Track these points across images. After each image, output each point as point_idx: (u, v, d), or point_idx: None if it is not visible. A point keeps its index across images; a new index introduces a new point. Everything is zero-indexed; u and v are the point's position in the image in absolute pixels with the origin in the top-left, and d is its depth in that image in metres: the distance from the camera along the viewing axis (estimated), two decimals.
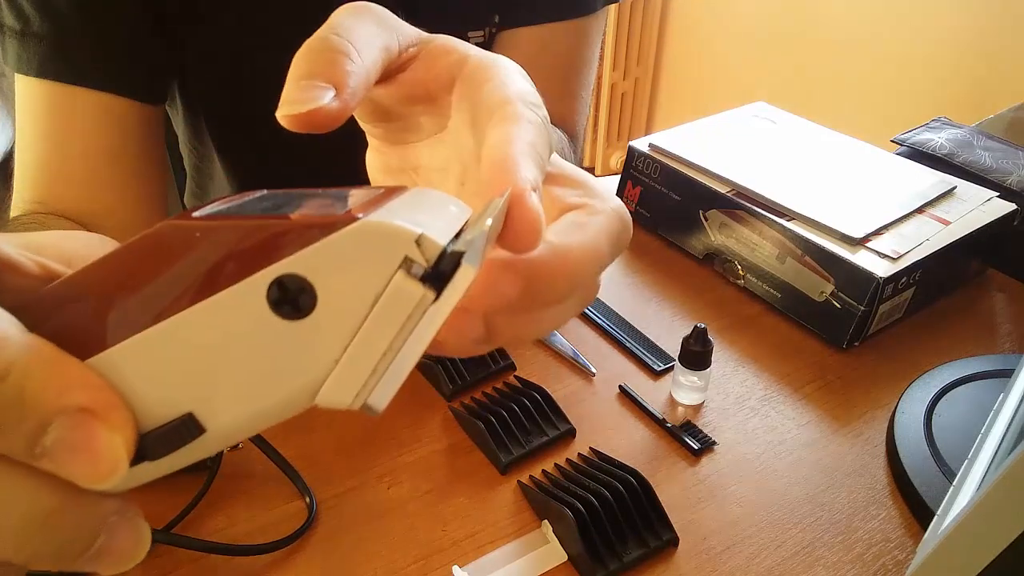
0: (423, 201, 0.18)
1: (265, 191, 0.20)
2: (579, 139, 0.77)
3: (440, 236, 0.16)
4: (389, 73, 0.26)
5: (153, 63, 0.59)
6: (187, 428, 0.16)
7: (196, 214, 0.16)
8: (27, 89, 0.55)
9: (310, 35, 0.23)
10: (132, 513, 0.17)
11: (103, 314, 0.16)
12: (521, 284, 0.19)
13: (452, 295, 0.16)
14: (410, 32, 0.27)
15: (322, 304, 0.16)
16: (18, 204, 0.56)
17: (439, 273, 0.16)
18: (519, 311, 0.20)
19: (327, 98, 0.21)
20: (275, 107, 0.22)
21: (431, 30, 0.28)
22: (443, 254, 0.16)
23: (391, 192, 0.18)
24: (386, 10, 0.26)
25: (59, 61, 0.54)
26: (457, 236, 0.17)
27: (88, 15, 0.54)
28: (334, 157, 0.50)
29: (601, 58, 2.18)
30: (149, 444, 0.16)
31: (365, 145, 0.32)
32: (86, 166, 0.56)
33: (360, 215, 0.15)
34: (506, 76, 0.25)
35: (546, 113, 0.24)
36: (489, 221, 0.17)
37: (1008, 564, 0.31)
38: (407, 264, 0.16)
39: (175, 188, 0.84)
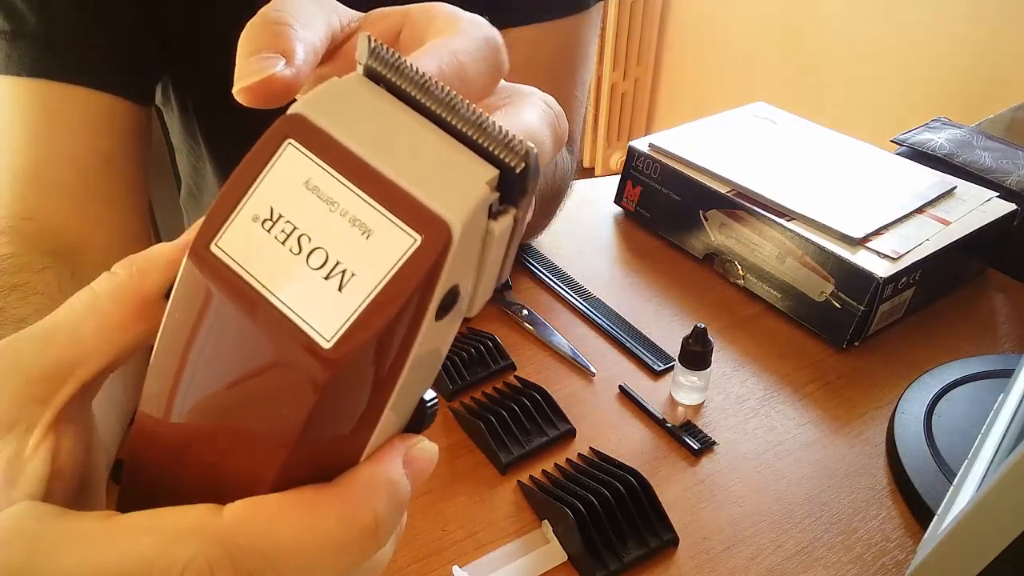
0: (360, 123, 0.18)
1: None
2: (576, 141, 0.77)
3: (480, 165, 0.17)
4: (332, 50, 0.26)
5: (146, 62, 0.59)
6: (422, 405, 0.21)
7: (324, 344, 0.17)
8: (16, 92, 0.53)
9: None
10: None
11: (357, 410, 0.18)
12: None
13: (532, 194, 0.18)
14: (351, 12, 0.27)
15: (461, 285, 0.18)
16: (3, 219, 0.52)
17: (509, 189, 0.17)
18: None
19: (279, 66, 0.21)
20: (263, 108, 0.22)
21: None
22: (503, 176, 0.17)
23: (322, 143, 0.17)
24: None
25: (55, 59, 0.53)
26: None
27: (85, 12, 0.53)
28: None
29: (601, 58, 2.17)
30: (407, 430, 0.21)
31: None
32: (80, 172, 0.55)
33: (439, 216, 0.16)
34: (453, 9, 0.25)
35: (498, 37, 0.24)
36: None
37: (1008, 564, 0.31)
38: (491, 217, 0.17)
39: (174, 191, 0.84)
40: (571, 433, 0.55)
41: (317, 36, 0.23)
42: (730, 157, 0.75)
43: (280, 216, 0.17)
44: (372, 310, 0.16)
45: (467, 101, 0.17)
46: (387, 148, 0.17)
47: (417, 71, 0.18)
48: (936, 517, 0.42)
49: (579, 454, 0.53)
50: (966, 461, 0.44)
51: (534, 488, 0.50)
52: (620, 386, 0.60)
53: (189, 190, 0.79)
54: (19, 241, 0.51)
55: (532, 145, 0.17)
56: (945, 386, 0.58)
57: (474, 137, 0.17)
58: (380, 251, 0.16)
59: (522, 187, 0.17)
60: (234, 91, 0.21)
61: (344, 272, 0.16)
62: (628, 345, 0.64)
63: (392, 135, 0.17)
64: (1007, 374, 0.58)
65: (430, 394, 0.21)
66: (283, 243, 0.17)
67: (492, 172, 0.17)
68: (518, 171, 0.17)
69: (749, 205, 0.69)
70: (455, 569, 0.46)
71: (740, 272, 0.71)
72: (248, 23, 0.23)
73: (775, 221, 0.67)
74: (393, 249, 0.16)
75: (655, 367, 0.62)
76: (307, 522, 0.18)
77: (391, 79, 0.18)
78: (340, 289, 0.16)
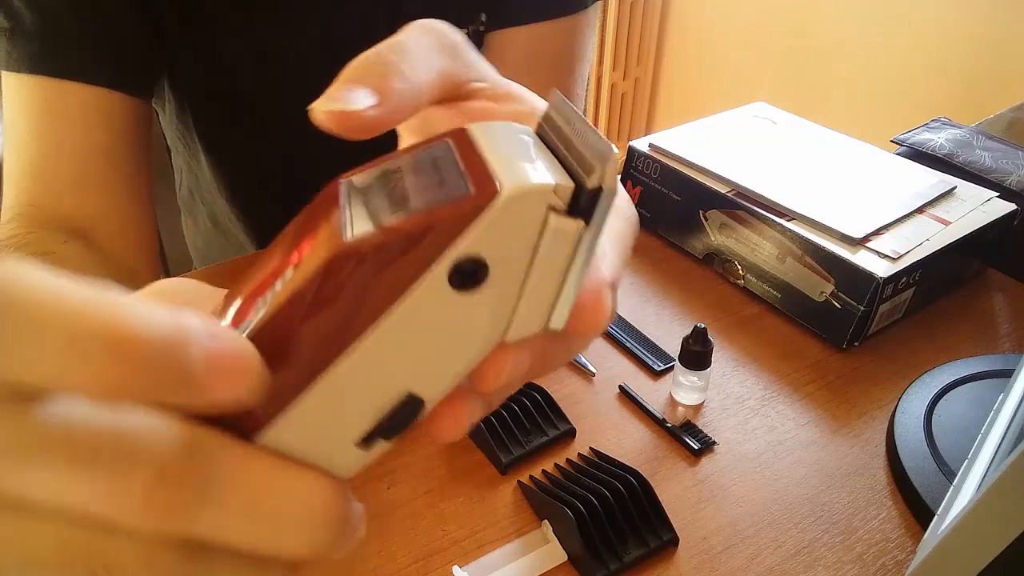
0: (501, 141, 0.20)
1: (344, 182, 0.20)
2: None
3: (564, 179, 0.18)
4: (450, 98, 0.26)
5: (144, 57, 0.59)
6: (411, 406, 0.19)
7: (347, 237, 0.17)
8: (18, 88, 0.54)
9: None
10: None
11: (316, 340, 0.18)
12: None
13: (600, 218, 0.18)
14: (483, 68, 0.26)
15: (493, 268, 0.18)
16: (11, 208, 0.54)
17: (581, 207, 0.18)
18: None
19: (366, 104, 0.21)
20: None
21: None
22: (577, 192, 0.18)
23: (463, 140, 0.20)
24: (460, 37, 0.25)
25: (52, 57, 0.54)
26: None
27: (81, 10, 0.54)
28: (319, 158, 0.50)
29: (601, 58, 2.18)
30: (384, 427, 0.19)
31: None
32: (80, 165, 0.56)
33: (497, 184, 0.18)
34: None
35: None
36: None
37: (1008, 564, 0.31)
38: (552, 209, 0.18)
39: (173, 188, 0.84)
40: (571, 433, 0.55)
41: (425, 85, 0.23)
42: (730, 157, 0.75)
43: (399, 168, 0.20)
44: (396, 226, 0.17)
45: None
46: (501, 154, 0.19)
47: (574, 120, 0.20)
48: (936, 517, 0.42)
49: (579, 454, 0.53)
50: (966, 461, 0.44)
51: (534, 488, 0.50)
52: (620, 386, 0.60)
53: (186, 188, 0.80)
54: (34, 225, 0.53)
55: (611, 180, 0.18)
56: (945, 386, 0.58)
57: (570, 158, 0.19)
58: (439, 192, 0.18)
59: (590, 204, 0.18)
60: (314, 107, 0.21)
61: (404, 198, 0.18)
62: (628, 345, 0.64)
63: (514, 153, 0.19)
64: (1007, 374, 0.58)
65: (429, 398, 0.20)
66: (384, 180, 0.19)
67: (567, 181, 0.18)
68: (589, 188, 0.18)
69: (749, 205, 0.69)
70: (455, 569, 0.46)
71: (740, 272, 0.71)
72: (363, 53, 0.23)
73: (775, 221, 0.67)
74: (448, 193, 0.18)
75: (655, 367, 0.62)
76: (81, 291, 0.14)
77: (547, 132, 0.20)
78: (391, 208, 0.18)
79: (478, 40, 0.69)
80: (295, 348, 0.18)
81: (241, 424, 0.17)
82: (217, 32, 0.61)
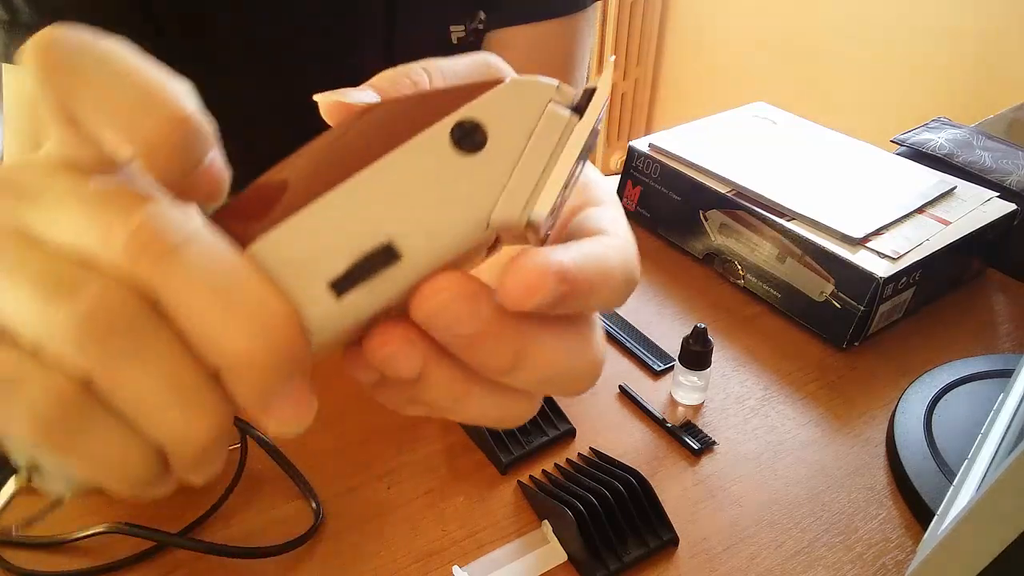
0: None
1: None
2: None
3: (564, 85, 0.21)
4: None
5: (142, 49, 0.59)
6: (387, 254, 0.20)
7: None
8: (17, 80, 0.55)
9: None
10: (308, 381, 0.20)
11: (324, 176, 0.20)
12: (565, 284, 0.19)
13: (592, 113, 0.21)
14: None
15: (492, 139, 0.20)
16: None
17: (577, 106, 0.21)
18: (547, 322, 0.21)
19: (365, 100, 0.22)
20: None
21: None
22: (576, 95, 0.21)
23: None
24: (511, 71, 0.26)
25: None
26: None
27: (80, 6, 0.54)
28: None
29: (601, 58, 2.17)
30: (356, 271, 0.20)
31: None
32: None
33: (508, 78, 0.21)
34: (603, 215, 0.25)
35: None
36: (607, 75, 0.22)
37: (1008, 564, 0.31)
38: (552, 102, 0.21)
39: None
40: (571, 433, 0.55)
41: None
42: (730, 157, 0.75)
43: None
44: (418, 91, 0.21)
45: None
46: None
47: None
48: (936, 517, 0.42)
49: (579, 454, 0.53)
50: (966, 461, 0.44)
51: (534, 488, 0.50)
52: (620, 386, 0.60)
53: None
54: None
55: (604, 81, 0.21)
56: (945, 386, 0.58)
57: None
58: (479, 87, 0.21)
59: (585, 103, 0.21)
60: (316, 96, 0.22)
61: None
62: (628, 345, 0.64)
63: None
64: (1007, 374, 0.58)
65: (409, 272, 0.20)
66: None
67: (568, 87, 0.21)
68: (587, 87, 0.21)
69: (749, 205, 0.69)
70: (455, 569, 0.46)
71: (740, 272, 0.71)
72: (398, 66, 0.24)
73: (775, 221, 0.67)
74: (481, 87, 0.21)
75: (655, 367, 0.62)
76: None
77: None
78: None
79: (477, 39, 0.69)
80: (307, 169, 0.20)
81: (238, 234, 0.19)
82: (217, 33, 0.61)
